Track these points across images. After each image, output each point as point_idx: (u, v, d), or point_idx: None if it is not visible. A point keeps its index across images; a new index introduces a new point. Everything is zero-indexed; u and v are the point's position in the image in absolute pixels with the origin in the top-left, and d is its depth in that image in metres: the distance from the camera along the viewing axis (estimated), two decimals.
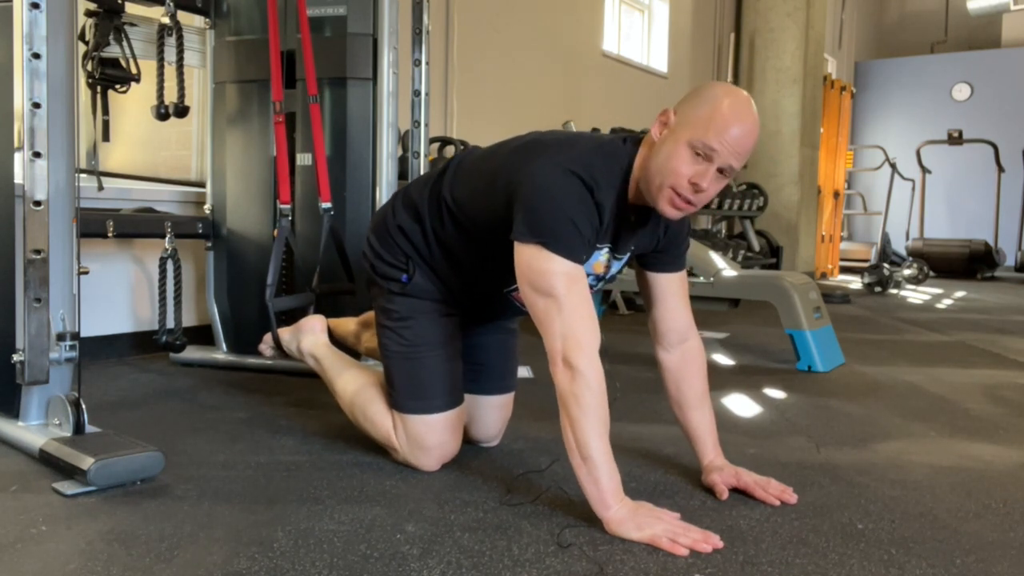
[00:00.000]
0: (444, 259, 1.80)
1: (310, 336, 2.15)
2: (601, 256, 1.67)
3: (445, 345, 1.85)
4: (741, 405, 2.61)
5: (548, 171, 1.53)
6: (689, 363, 1.79)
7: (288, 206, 2.66)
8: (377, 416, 1.88)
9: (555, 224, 1.50)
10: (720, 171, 1.50)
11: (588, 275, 1.66)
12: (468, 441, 2.01)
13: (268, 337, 2.28)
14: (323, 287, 2.67)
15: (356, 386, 1.95)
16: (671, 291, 1.78)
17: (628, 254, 1.73)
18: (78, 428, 1.84)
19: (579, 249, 1.53)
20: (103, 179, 3.04)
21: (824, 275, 8.61)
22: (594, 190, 1.53)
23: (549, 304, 1.51)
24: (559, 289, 1.50)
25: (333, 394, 2.03)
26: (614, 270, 1.75)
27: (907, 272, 7.81)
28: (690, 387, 1.79)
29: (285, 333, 2.22)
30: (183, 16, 2.98)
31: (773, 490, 1.68)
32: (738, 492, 1.70)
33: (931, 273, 8.43)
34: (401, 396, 1.83)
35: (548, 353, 1.52)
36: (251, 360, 2.93)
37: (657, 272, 1.78)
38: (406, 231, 1.82)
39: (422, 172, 3.05)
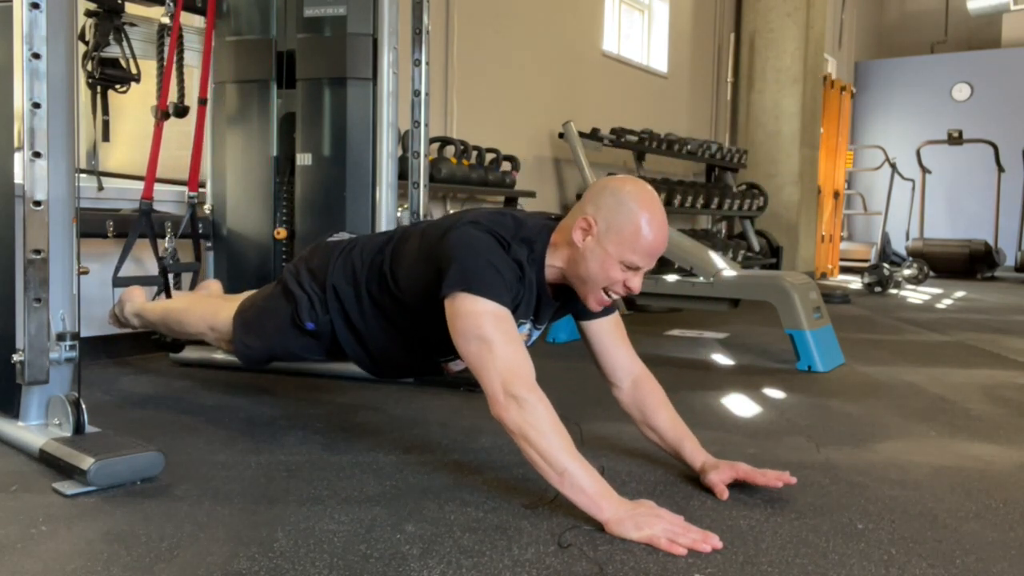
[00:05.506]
0: (377, 323, 1.87)
1: (130, 304, 2.48)
2: (524, 328, 1.78)
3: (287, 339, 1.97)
4: (741, 405, 2.61)
5: (464, 230, 1.67)
6: (641, 385, 1.86)
7: (149, 201, 2.90)
8: (198, 312, 2.18)
9: (477, 270, 1.59)
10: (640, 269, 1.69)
11: None
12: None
13: (111, 311, 2.58)
14: (172, 265, 3.00)
15: (182, 303, 2.32)
16: (607, 334, 1.87)
17: (547, 322, 1.87)
18: (78, 428, 1.84)
19: (503, 291, 1.60)
20: (103, 179, 3.04)
21: (824, 275, 8.61)
22: (506, 247, 1.65)
23: (481, 347, 1.55)
24: (487, 329, 1.55)
25: (163, 324, 2.33)
26: (534, 337, 1.87)
27: (907, 272, 7.81)
28: (649, 404, 1.84)
29: (115, 308, 2.54)
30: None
31: (771, 475, 1.70)
32: (738, 492, 1.71)
33: (931, 273, 8.43)
34: (247, 316, 2.03)
35: (488, 395, 1.54)
36: None
37: (589, 320, 1.86)
38: (340, 294, 1.89)
39: (422, 172, 3.05)
